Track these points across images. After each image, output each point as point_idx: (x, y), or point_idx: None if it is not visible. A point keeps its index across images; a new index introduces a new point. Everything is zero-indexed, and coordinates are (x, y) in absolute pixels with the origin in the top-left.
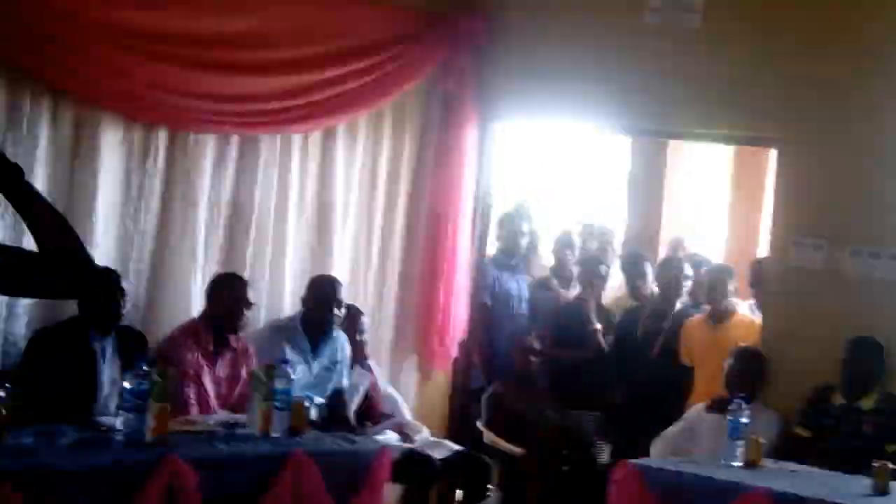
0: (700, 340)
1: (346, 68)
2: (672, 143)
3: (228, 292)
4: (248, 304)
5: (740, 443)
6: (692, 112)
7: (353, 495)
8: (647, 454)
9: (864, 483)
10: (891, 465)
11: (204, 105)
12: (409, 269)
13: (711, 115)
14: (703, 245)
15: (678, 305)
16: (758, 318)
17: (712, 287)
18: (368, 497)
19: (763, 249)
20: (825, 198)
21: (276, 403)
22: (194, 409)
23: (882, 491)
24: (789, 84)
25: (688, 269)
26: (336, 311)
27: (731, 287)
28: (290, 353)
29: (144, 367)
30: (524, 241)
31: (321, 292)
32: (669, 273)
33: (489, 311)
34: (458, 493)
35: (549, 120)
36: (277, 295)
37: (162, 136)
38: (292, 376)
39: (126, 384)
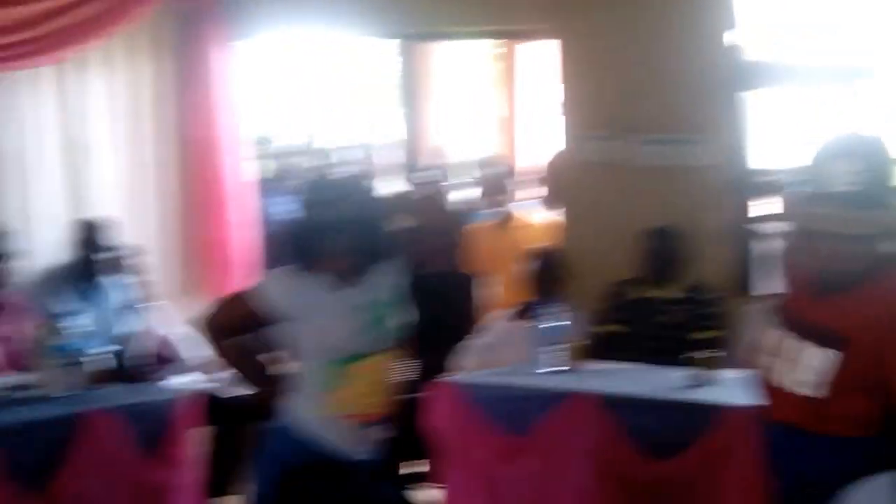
0: (489, 246)
1: None
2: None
3: None
4: (6, 257)
5: (554, 347)
6: (457, 10)
7: (160, 445)
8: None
9: (682, 374)
10: (709, 353)
11: None
12: (183, 201)
13: (477, 13)
14: (474, 147)
15: (458, 212)
16: (546, 217)
17: (496, 190)
18: (177, 445)
19: (528, 146)
20: (610, 88)
21: (63, 360)
22: None
23: (704, 381)
24: None
25: (459, 175)
26: (102, 254)
27: (513, 188)
28: (66, 305)
29: None
30: (287, 161)
31: (83, 237)
32: (431, 183)
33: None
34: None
35: (302, 30)
36: (40, 244)
37: None
38: (74, 329)
39: None
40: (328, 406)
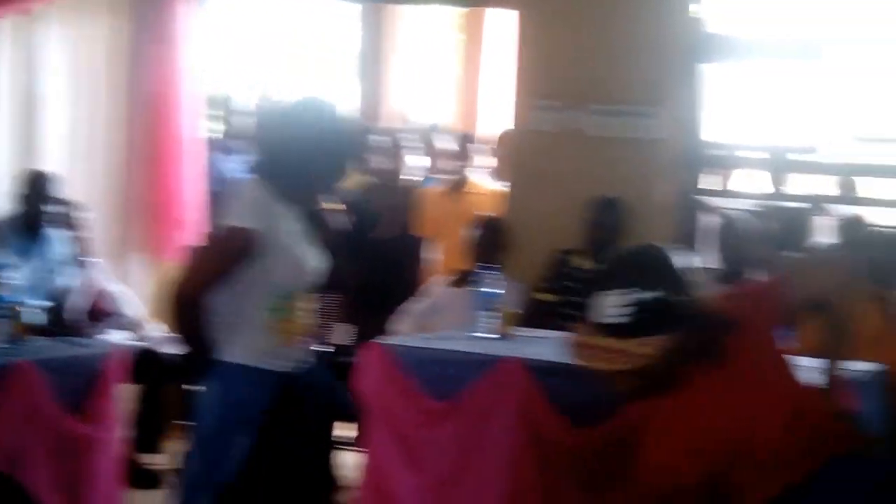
0: (438, 211)
1: None
2: (398, 10)
3: None
4: None
5: (489, 313)
6: None
7: (85, 400)
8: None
9: None
10: None
11: None
12: (132, 158)
13: None
14: (433, 113)
15: (410, 177)
16: (495, 186)
17: (456, 156)
18: (101, 401)
19: (486, 115)
20: (562, 59)
21: None
22: None
23: None
24: None
25: (416, 140)
26: (49, 207)
27: (469, 155)
28: (3, 256)
29: None
30: (238, 121)
31: (31, 189)
32: (395, 145)
33: (213, 198)
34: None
35: None
36: None
37: None
38: (8, 280)
39: None
40: (275, 335)
